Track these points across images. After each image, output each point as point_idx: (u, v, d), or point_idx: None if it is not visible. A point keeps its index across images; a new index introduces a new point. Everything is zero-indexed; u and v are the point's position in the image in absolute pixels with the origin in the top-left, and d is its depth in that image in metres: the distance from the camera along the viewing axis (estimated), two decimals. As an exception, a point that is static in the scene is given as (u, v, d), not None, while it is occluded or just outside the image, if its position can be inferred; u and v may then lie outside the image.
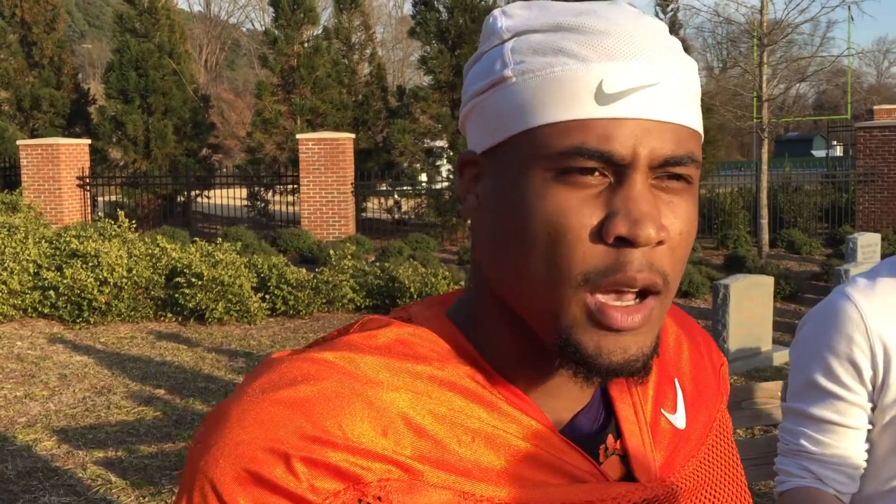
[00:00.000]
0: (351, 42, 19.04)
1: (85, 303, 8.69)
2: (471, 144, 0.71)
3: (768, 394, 2.16)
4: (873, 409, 1.46)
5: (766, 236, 12.91)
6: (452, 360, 0.69)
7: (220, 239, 10.90)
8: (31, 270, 9.06)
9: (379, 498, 0.62)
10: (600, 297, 0.63)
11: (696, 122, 0.66)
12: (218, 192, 17.66)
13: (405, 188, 16.60)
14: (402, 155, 16.75)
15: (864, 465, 1.48)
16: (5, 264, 8.94)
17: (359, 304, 9.36)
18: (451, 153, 16.21)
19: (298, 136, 15.14)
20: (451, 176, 15.92)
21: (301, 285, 9.19)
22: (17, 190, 14.51)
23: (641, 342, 0.65)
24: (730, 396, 2.10)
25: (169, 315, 8.93)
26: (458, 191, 0.72)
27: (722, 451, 0.84)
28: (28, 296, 8.85)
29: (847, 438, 1.46)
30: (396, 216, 17.42)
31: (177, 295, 8.85)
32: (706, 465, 0.81)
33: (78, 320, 8.71)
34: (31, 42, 19.59)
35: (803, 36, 41.19)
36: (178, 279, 8.91)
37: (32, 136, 18.03)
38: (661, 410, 0.78)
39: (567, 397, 0.72)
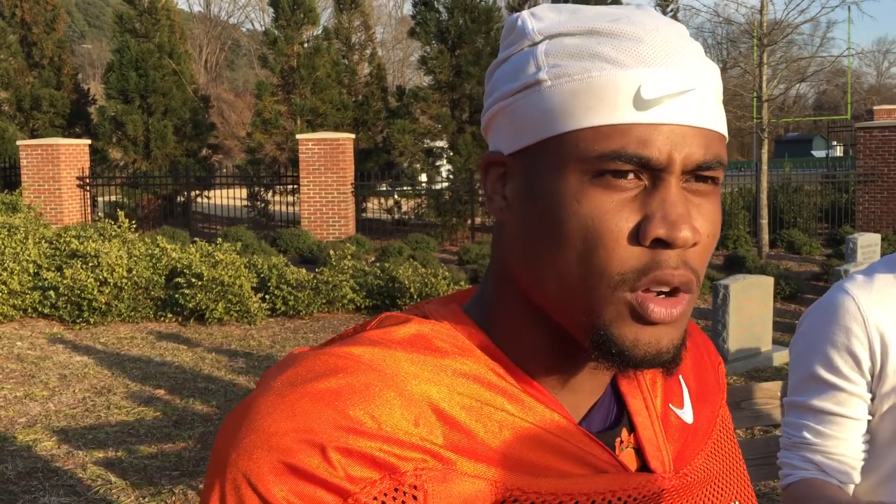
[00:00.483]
0: (351, 42, 19.04)
1: (85, 303, 8.70)
2: (495, 145, 0.72)
3: (768, 394, 2.16)
4: (872, 399, 1.49)
5: (765, 236, 12.91)
6: (473, 355, 0.70)
7: (220, 239, 10.91)
8: (31, 271, 9.06)
9: (415, 487, 0.63)
10: (641, 294, 0.65)
11: (722, 126, 0.69)
12: (218, 192, 17.66)
13: (405, 188, 16.60)
14: (402, 155, 16.75)
15: (865, 455, 1.50)
16: (5, 264, 8.94)
17: (359, 304, 9.36)
18: (451, 153, 16.22)
19: (298, 136, 15.14)
20: (450, 176, 15.92)
21: (301, 285, 9.19)
22: (17, 190, 14.52)
23: (672, 335, 0.67)
24: (730, 397, 2.10)
25: (169, 315, 8.93)
26: (484, 191, 0.73)
27: (725, 445, 0.87)
28: (28, 296, 8.85)
29: (848, 429, 1.49)
30: (396, 216, 17.42)
31: (177, 295, 8.85)
32: (712, 458, 0.83)
33: (78, 320, 8.71)
34: (31, 42, 19.59)
35: (803, 36, 41.23)
36: (178, 279, 8.91)
37: (32, 137, 18.03)
38: (670, 406, 0.80)
39: (583, 392, 0.74)
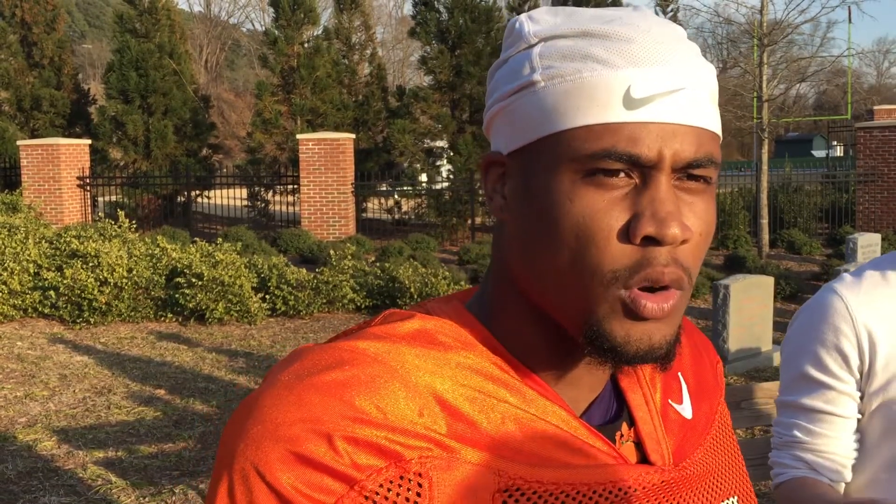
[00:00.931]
0: (351, 42, 19.04)
1: (85, 303, 8.70)
2: (496, 146, 0.74)
3: (768, 394, 2.16)
4: (862, 398, 1.50)
5: (766, 236, 12.91)
6: (476, 349, 0.72)
7: (220, 239, 10.91)
8: (32, 271, 9.06)
9: (420, 474, 0.64)
10: (632, 291, 0.66)
11: (716, 125, 0.70)
12: (218, 192, 17.67)
13: (405, 188, 16.60)
14: (403, 155, 16.75)
15: (856, 454, 1.52)
16: (5, 264, 8.94)
17: (359, 304, 9.36)
18: (451, 153, 16.22)
19: (298, 136, 15.14)
20: (451, 176, 15.92)
21: (301, 285, 9.19)
22: (18, 190, 14.52)
23: (665, 331, 0.68)
24: (730, 397, 2.10)
25: (169, 315, 8.93)
26: (484, 190, 0.75)
27: (724, 441, 0.88)
28: (28, 296, 8.85)
29: (838, 427, 1.50)
30: (396, 216, 17.42)
31: (177, 295, 8.85)
32: (711, 453, 0.84)
33: (78, 320, 8.72)
34: (31, 42, 19.59)
35: (803, 36, 41.23)
36: (178, 279, 8.91)
37: (33, 137, 18.03)
38: (669, 401, 0.82)
39: (583, 387, 0.75)
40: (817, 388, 1.51)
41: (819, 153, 30.86)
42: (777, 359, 7.15)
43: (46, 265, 9.17)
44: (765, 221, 12.86)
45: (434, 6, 16.59)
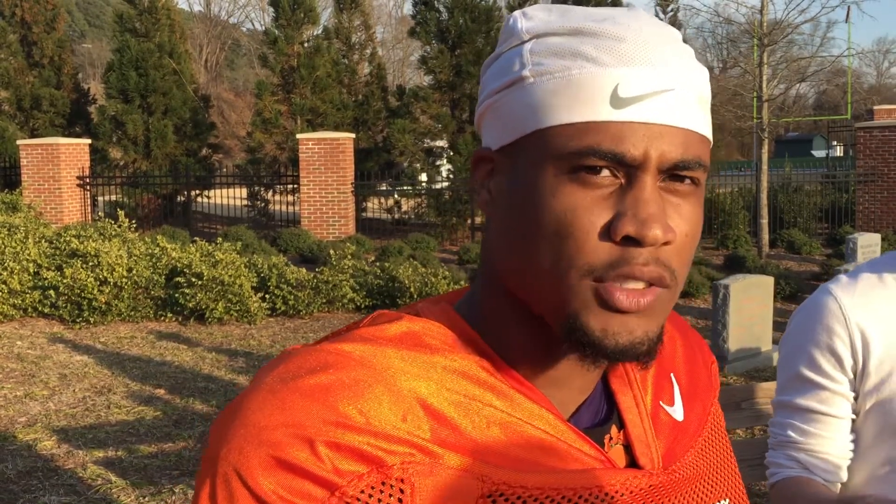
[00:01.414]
0: (351, 42, 19.04)
1: (85, 302, 8.70)
2: (486, 141, 0.73)
3: (768, 394, 2.16)
4: (856, 398, 1.51)
5: (766, 236, 12.91)
6: (463, 351, 0.71)
7: (220, 239, 10.90)
8: (32, 270, 9.06)
9: (402, 480, 0.63)
10: (608, 283, 0.65)
11: (705, 128, 0.69)
12: (218, 191, 17.66)
13: (405, 188, 16.60)
14: (402, 155, 16.75)
15: (850, 454, 1.52)
16: (5, 264, 8.94)
17: (359, 303, 9.36)
18: (451, 153, 16.21)
19: (298, 135, 15.14)
20: (450, 176, 15.92)
21: (301, 285, 9.19)
22: (18, 189, 14.51)
23: (647, 326, 0.67)
24: (730, 397, 2.10)
25: (169, 315, 8.93)
26: (471, 185, 0.74)
27: (716, 443, 0.87)
28: (28, 295, 8.85)
29: (832, 427, 1.51)
30: (396, 216, 17.42)
31: (177, 295, 8.85)
32: (703, 455, 0.83)
33: (78, 320, 8.71)
34: (31, 42, 19.59)
35: (803, 36, 41.23)
36: (178, 279, 8.91)
37: (32, 136, 18.03)
38: (660, 403, 0.81)
39: (572, 389, 0.74)
40: (811, 388, 1.51)
41: (819, 153, 30.86)
42: (777, 359, 7.14)
43: (46, 265, 9.17)
44: (765, 221, 12.86)
45: (434, 6, 16.59)
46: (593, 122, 0.65)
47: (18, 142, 15.48)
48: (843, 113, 25.04)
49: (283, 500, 0.62)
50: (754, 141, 23.08)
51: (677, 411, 0.82)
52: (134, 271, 8.97)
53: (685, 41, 0.71)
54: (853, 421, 1.52)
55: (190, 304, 8.75)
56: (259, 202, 17.98)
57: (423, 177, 16.51)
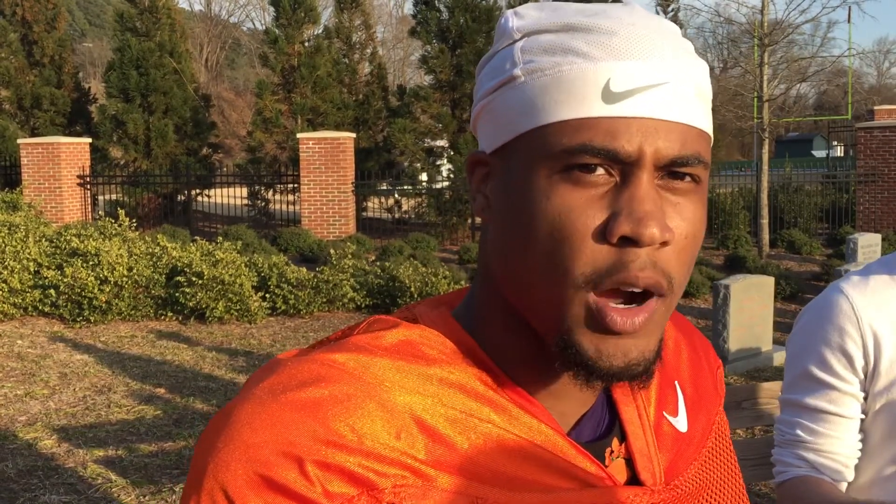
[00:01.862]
0: (351, 41, 19.04)
1: (85, 301, 8.70)
2: (481, 144, 0.71)
3: (769, 394, 2.15)
4: (865, 398, 1.50)
5: (766, 236, 12.91)
6: (461, 362, 0.69)
7: (220, 238, 10.90)
8: (32, 269, 9.06)
9: None
10: (602, 298, 0.63)
11: (704, 123, 0.66)
12: (218, 191, 17.66)
13: (405, 188, 16.60)
14: (403, 154, 16.75)
15: (859, 453, 1.52)
16: (6, 263, 8.94)
17: (359, 303, 9.36)
18: (452, 153, 16.21)
19: (299, 135, 15.14)
20: (451, 175, 15.92)
21: (301, 284, 9.19)
22: (18, 188, 14.51)
23: (643, 346, 0.64)
24: (730, 397, 2.10)
25: (169, 314, 8.93)
26: (468, 190, 0.73)
27: (721, 454, 0.85)
28: (28, 294, 8.85)
29: (841, 427, 1.50)
30: (397, 216, 17.42)
31: (177, 294, 8.85)
32: (707, 467, 0.81)
33: (78, 319, 8.71)
34: (31, 41, 19.59)
35: (804, 36, 41.21)
36: (178, 278, 8.91)
37: (33, 135, 18.04)
38: (664, 413, 0.78)
39: (572, 401, 0.72)
40: (821, 387, 1.50)
41: (819, 153, 30.86)
42: (777, 359, 7.15)
43: (47, 264, 9.17)
44: (765, 221, 12.86)
45: (435, 5, 16.59)
46: (585, 119, 0.63)
47: (19, 141, 15.48)
48: (844, 113, 25.03)
49: None
50: (755, 141, 23.08)
51: (681, 422, 0.79)
52: (134, 270, 8.97)
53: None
54: (862, 421, 1.51)
55: (190, 304, 8.75)
56: (259, 201, 17.98)
57: (424, 176, 16.51)
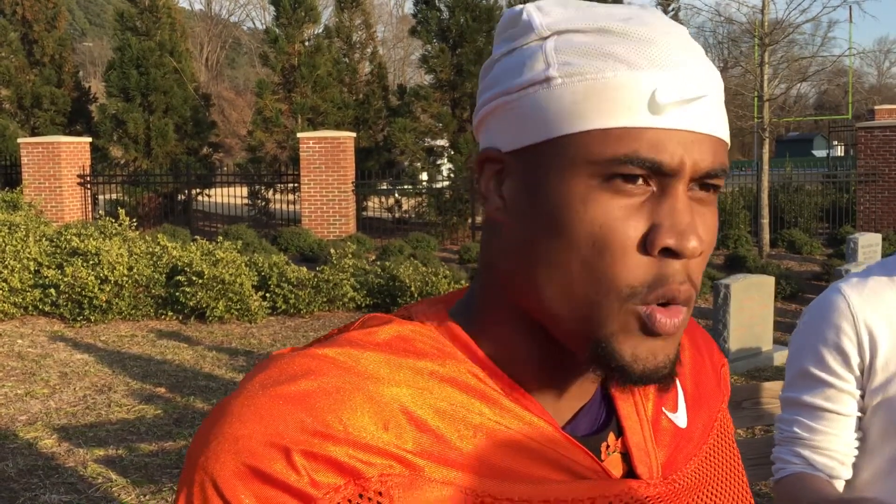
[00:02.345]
0: (352, 41, 19.04)
1: (85, 301, 8.70)
2: (491, 142, 0.69)
3: (769, 394, 2.16)
4: (862, 396, 1.52)
5: (766, 236, 12.91)
6: (454, 357, 0.69)
7: (220, 237, 10.91)
8: (32, 268, 9.06)
9: (380, 493, 0.62)
10: (650, 307, 0.64)
11: (727, 133, 0.67)
12: (218, 190, 17.66)
13: (406, 187, 16.60)
14: (403, 154, 16.75)
15: (856, 451, 1.53)
16: (6, 262, 8.94)
17: (359, 302, 9.36)
18: (452, 152, 16.21)
19: (299, 134, 15.14)
20: (451, 175, 15.92)
21: (302, 284, 9.19)
22: (18, 188, 14.52)
23: (669, 349, 0.66)
24: (731, 396, 2.10)
25: (169, 313, 8.93)
26: (468, 189, 0.72)
27: (723, 451, 0.85)
28: (29, 294, 8.85)
29: (838, 425, 1.52)
30: (397, 215, 17.42)
31: (177, 293, 8.85)
32: (707, 464, 0.81)
33: (79, 318, 8.72)
34: (32, 40, 19.59)
35: (804, 36, 41.21)
36: (178, 277, 8.91)
37: (33, 135, 18.03)
38: (663, 409, 0.78)
39: (569, 395, 0.72)
40: (818, 385, 1.52)
41: (820, 153, 30.85)
42: (777, 359, 7.15)
43: (47, 263, 9.18)
44: (765, 221, 12.86)
45: (435, 5, 16.59)
46: (630, 129, 0.62)
47: (19, 140, 15.48)
48: (844, 113, 25.02)
49: None
50: (755, 141, 23.08)
51: (680, 418, 0.79)
52: (134, 270, 8.97)
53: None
54: (859, 418, 1.53)
55: (190, 303, 8.75)
56: (260, 201, 17.98)
57: (424, 176, 16.51)
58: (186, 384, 6.67)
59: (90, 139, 16.29)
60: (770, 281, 7.37)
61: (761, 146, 13.05)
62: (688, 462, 0.78)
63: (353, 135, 15.34)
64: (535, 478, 0.67)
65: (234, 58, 51.68)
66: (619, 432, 0.75)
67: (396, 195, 17.18)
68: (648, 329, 0.64)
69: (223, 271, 8.85)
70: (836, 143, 31.02)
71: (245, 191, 18.16)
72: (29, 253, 9.19)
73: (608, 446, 0.73)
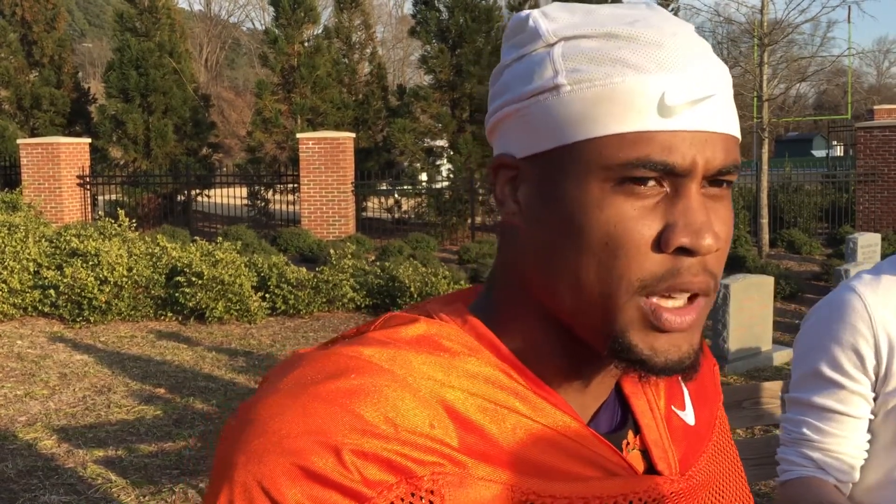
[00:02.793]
0: (351, 41, 19.04)
1: (85, 302, 8.69)
2: (505, 148, 0.70)
3: (769, 394, 2.15)
4: (875, 399, 1.48)
5: (766, 236, 12.91)
6: (483, 355, 0.69)
7: (220, 238, 10.90)
8: (32, 269, 9.06)
9: (431, 492, 0.61)
10: (654, 300, 0.65)
11: (738, 129, 0.68)
12: (218, 191, 17.66)
13: (405, 188, 16.60)
14: (403, 154, 16.76)
15: (865, 454, 1.50)
16: (5, 263, 8.94)
17: (359, 303, 9.36)
18: (452, 152, 16.21)
19: (299, 135, 15.14)
20: (451, 175, 15.92)
21: (301, 284, 9.19)
22: (18, 189, 14.51)
23: (691, 340, 0.67)
24: (731, 397, 2.10)
25: (169, 314, 8.93)
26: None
27: (724, 448, 0.87)
28: (28, 294, 8.85)
29: (848, 427, 1.48)
30: (396, 216, 17.41)
31: (177, 294, 8.85)
32: (713, 461, 0.83)
33: (78, 319, 8.71)
34: (31, 41, 19.59)
35: (804, 36, 41.18)
36: (178, 278, 8.90)
37: (33, 135, 18.03)
38: (672, 407, 0.80)
39: (591, 393, 0.73)
40: (830, 386, 1.49)
41: (819, 153, 30.85)
42: (777, 359, 7.15)
43: (46, 264, 9.17)
44: (765, 221, 12.86)
45: (434, 5, 16.59)
46: (641, 133, 0.63)
47: (18, 141, 15.48)
48: (844, 113, 25.02)
49: None
50: (754, 141, 23.07)
51: (688, 415, 0.81)
52: (134, 271, 8.96)
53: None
54: (870, 421, 1.50)
55: (190, 304, 8.75)
56: (259, 201, 17.98)
57: (424, 176, 16.51)
58: (186, 385, 6.67)
59: (89, 140, 16.29)
60: (769, 281, 7.37)
61: (760, 146, 13.05)
62: (698, 459, 0.79)
63: (353, 135, 15.34)
64: (571, 474, 0.67)
65: (234, 58, 51.68)
66: (636, 430, 0.76)
67: (396, 196, 17.17)
68: (654, 326, 0.65)
69: (223, 272, 8.85)
70: (835, 143, 31.03)
71: (244, 191, 18.16)
72: (28, 254, 9.19)
73: (628, 443, 0.75)
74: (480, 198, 15.55)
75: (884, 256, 10.64)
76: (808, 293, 10.12)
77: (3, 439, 5.36)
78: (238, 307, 8.85)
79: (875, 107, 23.66)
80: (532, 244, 0.69)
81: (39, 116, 18.84)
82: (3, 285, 8.75)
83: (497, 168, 0.71)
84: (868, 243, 10.00)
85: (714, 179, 0.66)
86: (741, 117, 15.18)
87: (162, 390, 6.51)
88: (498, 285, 0.73)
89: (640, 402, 0.77)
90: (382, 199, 17.64)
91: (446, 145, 16.54)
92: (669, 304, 0.65)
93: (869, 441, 1.50)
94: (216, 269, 8.88)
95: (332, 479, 0.59)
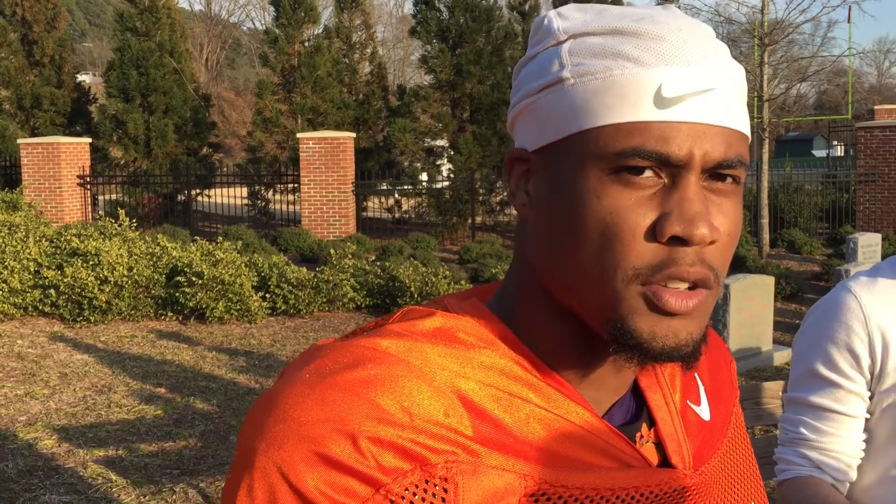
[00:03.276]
0: (352, 41, 19.04)
1: (85, 301, 8.70)
2: (520, 142, 0.73)
3: (769, 393, 2.16)
4: (871, 398, 1.49)
5: (766, 236, 12.91)
6: (498, 348, 0.71)
7: (220, 238, 10.90)
8: (32, 269, 9.06)
9: (445, 479, 0.63)
10: (654, 285, 0.65)
11: (745, 125, 0.69)
12: (218, 191, 17.67)
13: (406, 187, 16.60)
14: (403, 154, 16.76)
15: (862, 453, 1.51)
16: (6, 263, 8.94)
17: (359, 303, 9.36)
18: (452, 152, 16.21)
19: (299, 135, 15.14)
20: (451, 175, 15.92)
21: (301, 284, 9.19)
22: (18, 188, 14.52)
23: (692, 328, 0.67)
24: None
25: (169, 314, 8.93)
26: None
27: (740, 445, 0.87)
28: (29, 294, 8.85)
29: (845, 426, 1.49)
30: (397, 215, 17.42)
31: (177, 294, 8.85)
32: (728, 457, 0.84)
33: (78, 319, 8.72)
34: (31, 40, 19.59)
35: (804, 36, 41.22)
36: (178, 278, 8.91)
37: (33, 135, 18.04)
38: (688, 402, 0.81)
39: (606, 389, 0.74)
40: (826, 386, 1.50)
41: (819, 153, 30.84)
42: (777, 359, 7.15)
43: (47, 264, 9.17)
44: (765, 221, 12.86)
45: (435, 5, 16.59)
46: (637, 123, 0.65)
47: (19, 141, 15.48)
48: (844, 113, 25.02)
49: (325, 497, 0.61)
50: (755, 141, 23.07)
51: (704, 411, 0.82)
52: (134, 270, 8.97)
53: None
54: (866, 420, 1.50)
55: (190, 304, 8.75)
56: (259, 201, 17.98)
57: (424, 176, 16.51)
58: (186, 385, 6.67)
59: (90, 140, 16.29)
60: (770, 281, 7.37)
61: (761, 146, 13.06)
62: (713, 454, 0.80)
63: (353, 135, 15.34)
64: (585, 465, 0.69)
65: (234, 58, 51.68)
66: (651, 423, 0.77)
67: (396, 195, 17.17)
68: (656, 307, 0.65)
69: (223, 272, 8.85)
70: (835, 143, 31.03)
71: (245, 191, 18.16)
72: (29, 253, 9.19)
73: (642, 436, 0.76)
74: (481, 197, 15.56)
75: (884, 256, 10.64)
76: (809, 293, 10.12)
77: (3, 439, 5.36)
78: (238, 307, 8.85)
79: (876, 107, 23.66)
80: (539, 234, 0.71)
81: (40, 116, 18.85)
82: (4, 285, 8.75)
83: (512, 161, 0.73)
84: (868, 243, 9.99)
85: (718, 174, 0.67)
86: (742, 117, 15.20)
87: (162, 390, 6.51)
88: (514, 279, 0.75)
89: (656, 396, 0.78)
90: (383, 199, 17.64)
91: (447, 145, 16.54)
92: (671, 287, 0.66)
93: (865, 440, 1.51)
94: (216, 268, 8.88)
95: (348, 465, 0.61)
